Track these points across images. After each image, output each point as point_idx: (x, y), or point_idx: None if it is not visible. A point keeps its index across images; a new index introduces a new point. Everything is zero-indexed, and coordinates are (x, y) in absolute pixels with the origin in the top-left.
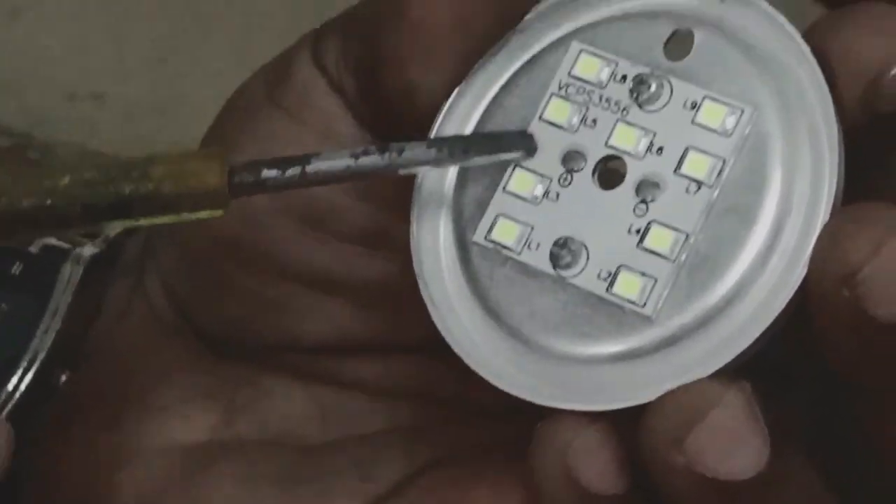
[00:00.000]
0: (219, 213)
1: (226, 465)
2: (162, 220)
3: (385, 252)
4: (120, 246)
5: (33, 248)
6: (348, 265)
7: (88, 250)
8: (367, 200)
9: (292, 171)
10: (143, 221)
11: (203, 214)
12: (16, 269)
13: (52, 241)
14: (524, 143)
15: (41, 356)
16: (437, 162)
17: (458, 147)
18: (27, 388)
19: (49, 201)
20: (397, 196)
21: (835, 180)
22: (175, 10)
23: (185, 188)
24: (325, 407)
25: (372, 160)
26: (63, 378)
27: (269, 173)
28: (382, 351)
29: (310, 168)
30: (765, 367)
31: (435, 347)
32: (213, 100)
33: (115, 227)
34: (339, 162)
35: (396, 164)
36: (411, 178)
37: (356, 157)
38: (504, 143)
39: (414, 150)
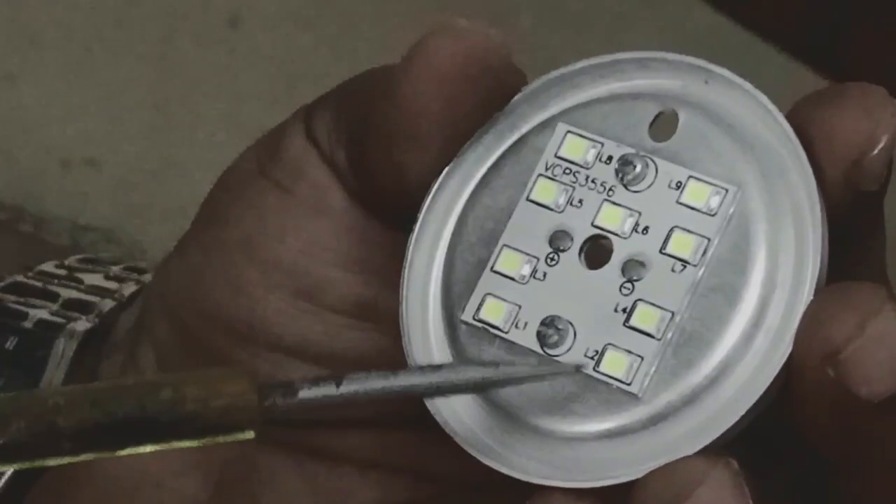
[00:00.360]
0: (250, 435)
1: None
2: (191, 443)
3: (376, 324)
4: (113, 320)
5: (27, 324)
6: (340, 338)
7: (82, 325)
8: (358, 273)
9: (328, 392)
10: (173, 445)
11: (233, 437)
12: (10, 343)
13: (46, 315)
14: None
15: None
16: (476, 388)
17: (501, 374)
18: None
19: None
20: (387, 268)
21: (818, 259)
22: (168, 77)
23: (218, 416)
24: (317, 482)
25: (410, 379)
26: None
27: (304, 393)
28: (375, 425)
29: (344, 388)
30: (753, 442)
31: (427, 423)
32: (206, 166)
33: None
34: (377, 382)
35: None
36: (402, 251)
37: (395, 374)
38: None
39: (458, 373)
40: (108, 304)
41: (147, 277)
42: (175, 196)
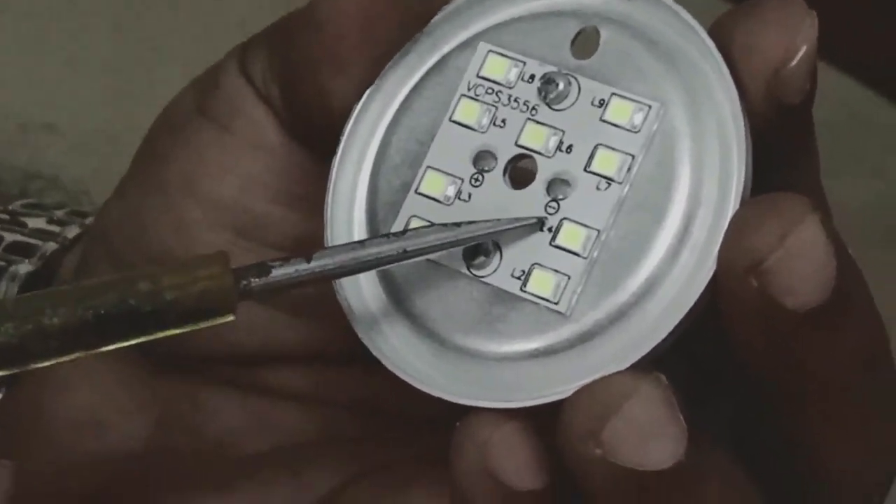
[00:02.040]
0: (230, 318)
1: (162, 476)
2: (174, 332)
3: None
4: (56, 263)
5: None
6: None
7: (24, 268)
8: (297, 208)
9: (299, 267)
10: (157, 335)
11: (214, 322)
12: None
13: None
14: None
15: None
16: (451, 244)
17: (463, 234)
18: None
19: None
20: (323, 203)
21: (743, 174)
22: (127, 41)
23: (196, 300)
24: (261, 417)
25: (380, 247)
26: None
27: (277, 272)
28: (317, 361)
29: (315, 262)
30: (692, 368)
31: (371, 359)
32: None
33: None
34: (346, 254)
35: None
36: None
37: (362, 244)
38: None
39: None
40: (51, 247)
41: (90, 220)
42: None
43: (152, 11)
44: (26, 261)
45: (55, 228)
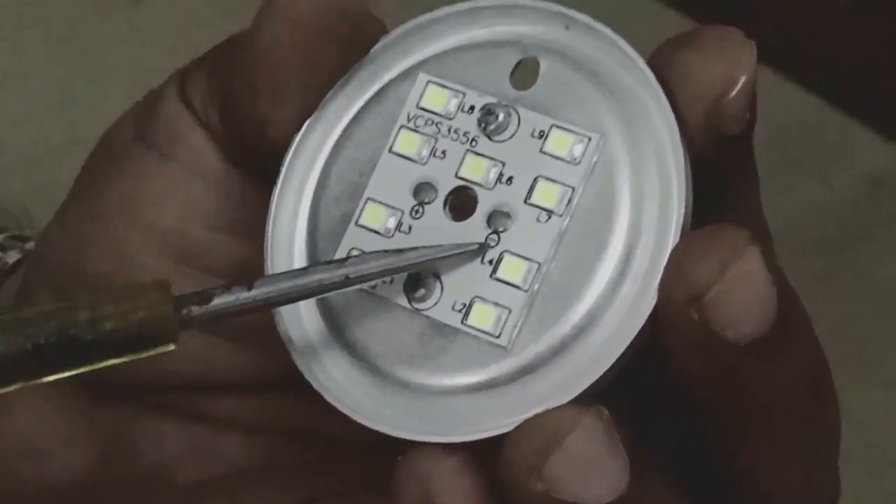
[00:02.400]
0: (170, 347)
1: None
2: (115, 361)
3: None
4: None
5: None
6: None
7: None
8: (237, 234)
9: (240, 295)
10: (97, 365)
11: (154, 351)
12: None
13: None
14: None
15: None
16: (393, 271)
17: (404, 261)
18: None
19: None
20: (263, 231)
21: (683, 205)
22: (72, 54)
23: (136, 329)
24: (200, 445)
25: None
26: None
27: (219, 300)
28: (257, 389)
29: (256, 290)
30: (627, 394)
31: (310, 385)
32: None
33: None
34: (287, 282)
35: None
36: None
37: (305, 271)
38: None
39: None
40: None
41: (31, 246)
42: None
43: (96, 25)
44: None
45: None
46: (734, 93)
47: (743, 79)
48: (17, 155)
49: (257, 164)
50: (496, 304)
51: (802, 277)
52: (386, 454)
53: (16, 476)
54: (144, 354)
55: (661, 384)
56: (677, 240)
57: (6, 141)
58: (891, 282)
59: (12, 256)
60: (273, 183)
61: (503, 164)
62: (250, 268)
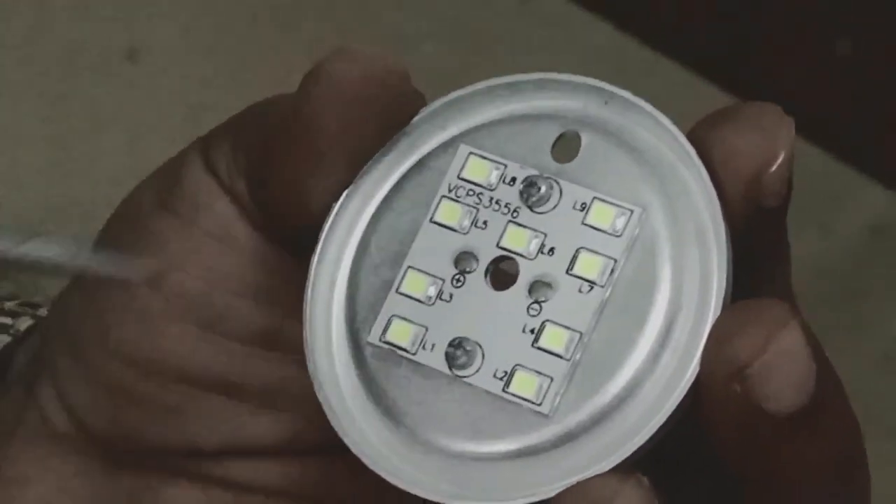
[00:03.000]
0: None
1: None
2: None
3: (282, 354)
4: (9, 356)
5: None
6: (246, 368)
7: None
8: (262, 302)
9: None
10: None
11: None
12: None
13: None
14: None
15: None
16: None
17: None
18: None
19: None
20: (291, 297)
21: (723, 278)
22: (68, 113)
23: None
24: None
25: None
26: None
27: None
28: (283, 454)
29: None
30: (666, 460)
31: (336, 450)
32: (106, 202)
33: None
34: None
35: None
36: (306, 279)
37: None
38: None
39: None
40: (3, 339)
41: (43, 312)
42: (77, 232)
43: (92, 82)
44: None
45: (6, 320)
46: (774, 168)
47: (783, 154)
48: (14, 215)
49: (288, 234)
50: (538, 372)
51: None
52: None
53: None
54: None
55: (691, 455)
56: (718, 313)
57: (3, 201)
58: (892, 331)
59: (24, 323)
60: (301, 249)
61: (545, 235)
62: (276, 335)
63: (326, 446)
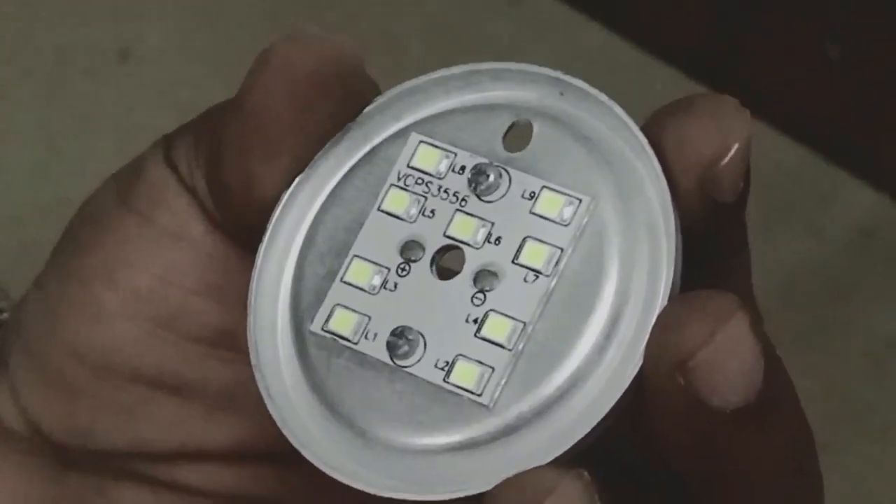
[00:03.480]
0: None
1: None
2: None
3: (237, 353)
4: None
5: None
6: (200, 368)
7: None
8: (218, 300)
9: None
10: None
11: None
12: None
13: None
14: None
15: None
16: None
17: None
18: None
19: None
20: (246, 293)
21: (672, 271)
22: (58, 113)
23: None
24: None
25: None
26: None
27: None
28: (232, 458)
29: None
30: (610, 457)
31: (291, 457)
32: None
33: None
34: None
35: None
36: None
37: None
38: None
39: None
40: None
41: (5, 317)
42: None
43: (83, 82)
44: None
45: None
46: (727, 160)
47: (736, 146)
48: (4, 216)
49: (242, 228)
50: (479, 362)
51: (792, 329)
52: None
53: None
54: None
55: (640, 453)
56: (665, 306)
57: None
58: (881, 333)
59: None
60: (258, 246)
61: (492, 224)
62: (231, 332)
63: (281, 452)
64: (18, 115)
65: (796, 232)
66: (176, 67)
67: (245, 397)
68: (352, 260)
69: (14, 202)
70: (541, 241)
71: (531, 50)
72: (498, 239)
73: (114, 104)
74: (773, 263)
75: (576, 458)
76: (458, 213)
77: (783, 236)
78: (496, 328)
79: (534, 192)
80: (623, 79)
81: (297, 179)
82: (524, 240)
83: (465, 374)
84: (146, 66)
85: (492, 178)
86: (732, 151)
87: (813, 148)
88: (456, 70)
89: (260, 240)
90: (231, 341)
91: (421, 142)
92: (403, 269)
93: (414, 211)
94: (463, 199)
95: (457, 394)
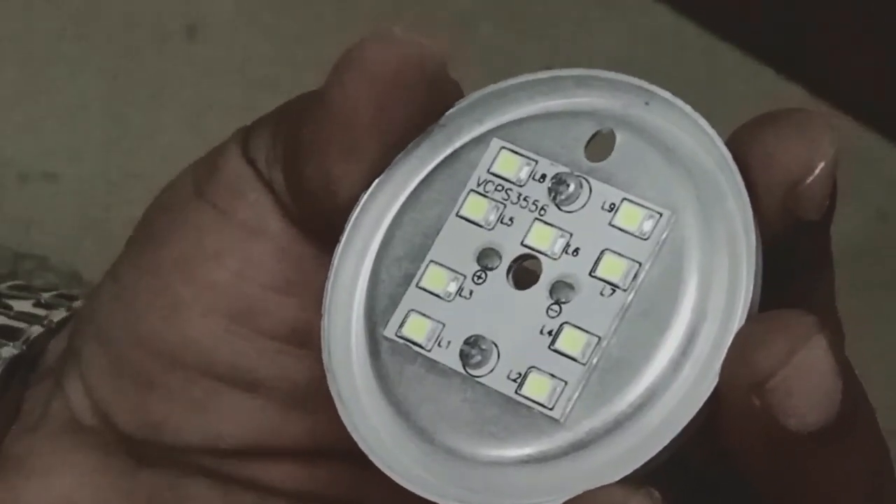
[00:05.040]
0: None
1: None
2: None
3: (310, 351)
4: (41, 347)
5: None
6: (275, 364)
7: (8, 351)
8: (294, 296)
9: None
10: None
11: None
12: None
13: None
14: None
15: None
16: None
17: None
18: None
19: None
20: (322, 292)
21: (751, 288)
22: (127, 88)
23: None
24: None
25: None
26: None
27: None
28: (307, 455)
29: None
30: (682, 474)
31: (359, 454)
32: (165, 177)
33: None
34: None
35: None
36: None
37: None
38: None
39: None
40: (36, 330)
41: (78, 304)
42: (135, 207)
43: (152, 58)
44: (10, 344)
45: (41, 311)
46: (812, 178)
47: (822, 164)
48: (72, 190)
49: (319, 225)
50: (552, 375)
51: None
52: None
53: None
54: None
55: (714, 468)
56: (742, 324)
57: (59, 175)
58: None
59: (58, 315)
60: (334, 244)
61: (570, 235)
62: (305, 328)
63: (356, 452)
64: (86, 90)
65: (865, 216)
66: (243, 43)
67: (321, 395)
68: (428, 265)
69: (81, 177)
70: (619, 254)
71: (599, 31)
72: (576, 250)
73: (181, 80)
74: (839, 249)
75: (647, 476)
76: (536, 222)
77: (852, 220)
78: (570, 341)
79: (614, 204)
80: (690, 60)
81: (376, 181)
82: (602, 252)
83: (537, 387)
84: (215, 42)
85: (572, 187)
86: (818, 170)
87: (881, 133)
88: (540, 75)
89: (337, 239)
90: (305, 338)
91: (502, 148)
92: (479, 277)
93: (492, 218)
94: (542, 208)
95: (528, 406)
